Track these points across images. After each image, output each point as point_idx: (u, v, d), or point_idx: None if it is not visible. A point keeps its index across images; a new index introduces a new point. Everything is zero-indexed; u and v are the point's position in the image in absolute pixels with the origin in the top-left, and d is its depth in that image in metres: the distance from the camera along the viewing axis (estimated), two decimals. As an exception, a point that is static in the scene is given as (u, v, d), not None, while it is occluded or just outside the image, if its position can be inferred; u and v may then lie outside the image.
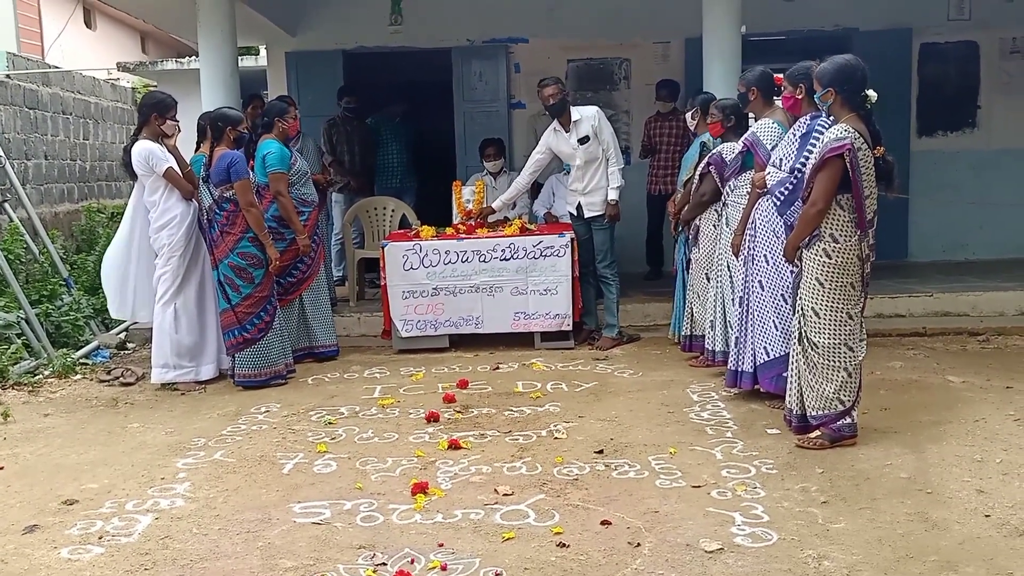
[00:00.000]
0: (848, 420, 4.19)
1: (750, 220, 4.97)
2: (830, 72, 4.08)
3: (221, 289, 5.62)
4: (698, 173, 5.77)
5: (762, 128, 4.97)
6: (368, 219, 7.87)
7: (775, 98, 5.00)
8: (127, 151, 5.70)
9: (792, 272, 4.55)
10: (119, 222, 9.47)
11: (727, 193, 5.34)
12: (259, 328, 5.66)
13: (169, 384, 5.69)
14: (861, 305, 4.19)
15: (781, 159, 4.68)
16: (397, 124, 9.03)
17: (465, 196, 7.17)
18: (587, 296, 6.60)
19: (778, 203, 4.66)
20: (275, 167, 6.03)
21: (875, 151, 4.04)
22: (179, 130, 5.78)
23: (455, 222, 7.05)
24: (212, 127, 5.67)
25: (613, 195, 6.39)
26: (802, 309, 4.19)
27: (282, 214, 6.07)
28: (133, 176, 5.70)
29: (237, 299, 5.62)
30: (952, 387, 5.15)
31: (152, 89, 5.95)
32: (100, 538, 3.47)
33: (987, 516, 3.40)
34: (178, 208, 5.64)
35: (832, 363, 4.14)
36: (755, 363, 4.88)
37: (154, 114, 5.63)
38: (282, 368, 5.76)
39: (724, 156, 5.52)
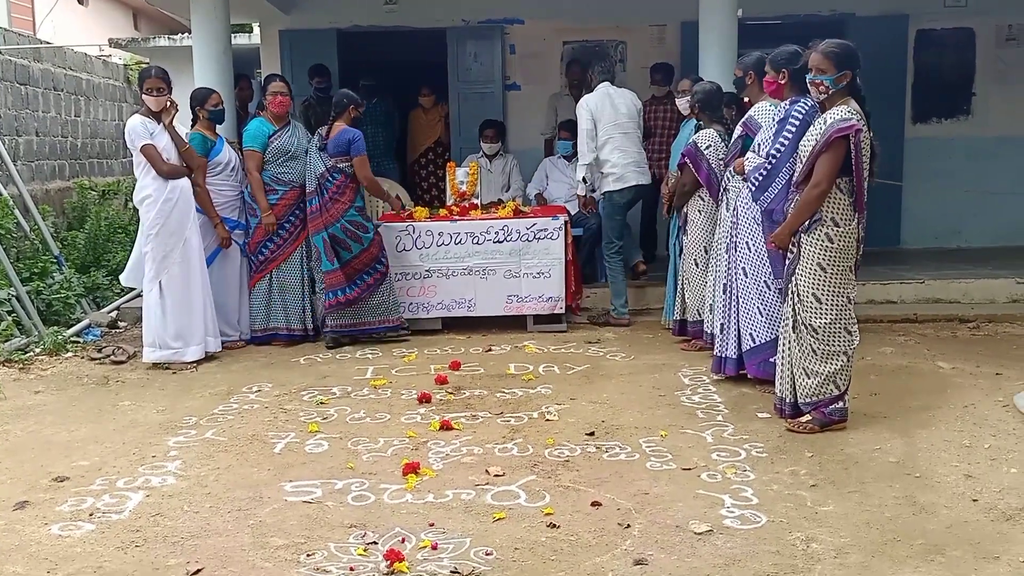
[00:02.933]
0: (840, 405, 4.20)
1: (731, 207, 4.97)
2: (844, 54, 3.99)
3: (325, 252, 5.99)
4: (677, 164, 5.79)
5: (759, 111, 4.96)
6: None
7: None
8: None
9: (774, 259, 4.56)
10: (110, 199, 9.51)
11: (727, 178, 5.30)
12: (362, 288, 6.05)
13: (160, 363, 5.68)
14: (856, 288, 4.20)
15: (759, 144, 4.67)
16: (373, 104, 8.96)
17: (459, 178, 7.14)
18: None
19: (752, 189, 4.64)
20: (246, 145, 6.16)
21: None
22: (177, 109, 5.77)
23: (448, 203, 7.04)
24: (337, 103, 6.12)
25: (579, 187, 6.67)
26: (798, 295, 4.17)
27: (250, 191, 6.17)
28: None
29: (348, 257, 6.02)
30: (942, 373, 5.18)
31: (147, 65, 6.06)
32: (91, 515, 3.47)
33: (975, 500, 3.43)
34: (152, 186, 5.64)
35: (832, 347, 4.14)
36: (740, 349, 4.90)
37: (140, 87, 5.74)
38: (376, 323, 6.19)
39: (699, 145, 5.53)
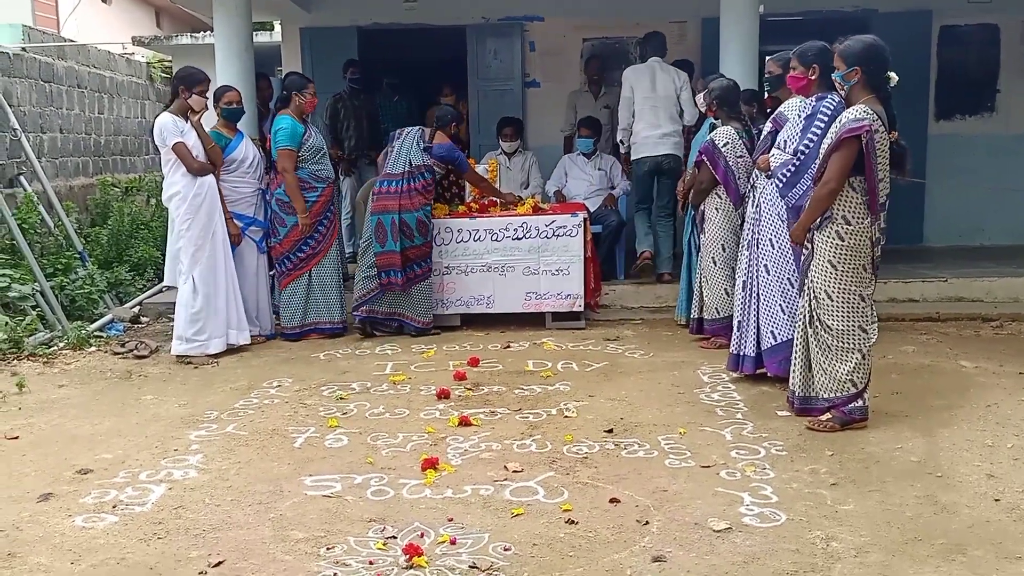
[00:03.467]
0: (860, 403, 4.18)
1: (754, 203, 4.94)
2: (857, 50, 4.00)
3: (391, 233, 6.22)
4: (695, 161, 5.76)
5: (790, 107, 4.90)
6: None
7: None
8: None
9: (798, 256, 4.53)
10: (133, 196, 9.60)
11: (755, 176, 5.25)
12: (408, 278, 6.26)
13: (183, 357, 5.74)
14: (872, 287, 4.17)
15: (786, 141, 4.64)
16: (396, 102, 8.99)
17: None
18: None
19: (780, 185, 4.62)
20: (284, 144, 6.11)
21: (889, 135, 4.01)
22: (207, 107, 5.86)
23: (468, 200, 7.05)
24: (441, 117, 6.54)
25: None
26: (813, 292, 4.17)
27: (286, 191, 6.13)
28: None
29: (408, 244, 6.26)
30: (964, 372, 5.14)
31: (187, 65, 6.12)
32: (114, 507, 3.51)
33: (997, 500, 3.40)
34: (181, 183, 5.71)
35: (846, 345, 4.13)
36: (759, 347, 4.88)
37: (181, 87, 5.76)
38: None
39: (716, 142, 5.49)
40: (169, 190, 5.77)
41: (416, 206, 6.27)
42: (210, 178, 5.82)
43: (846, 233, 4.04)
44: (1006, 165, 8.73)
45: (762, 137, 5.13)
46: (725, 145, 5.51)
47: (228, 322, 5.88)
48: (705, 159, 5.57)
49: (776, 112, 4.99)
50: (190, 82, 5.76)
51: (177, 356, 5.76)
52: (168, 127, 5.67)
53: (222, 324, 5.83)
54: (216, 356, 5.79)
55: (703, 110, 6.09)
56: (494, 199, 6.86)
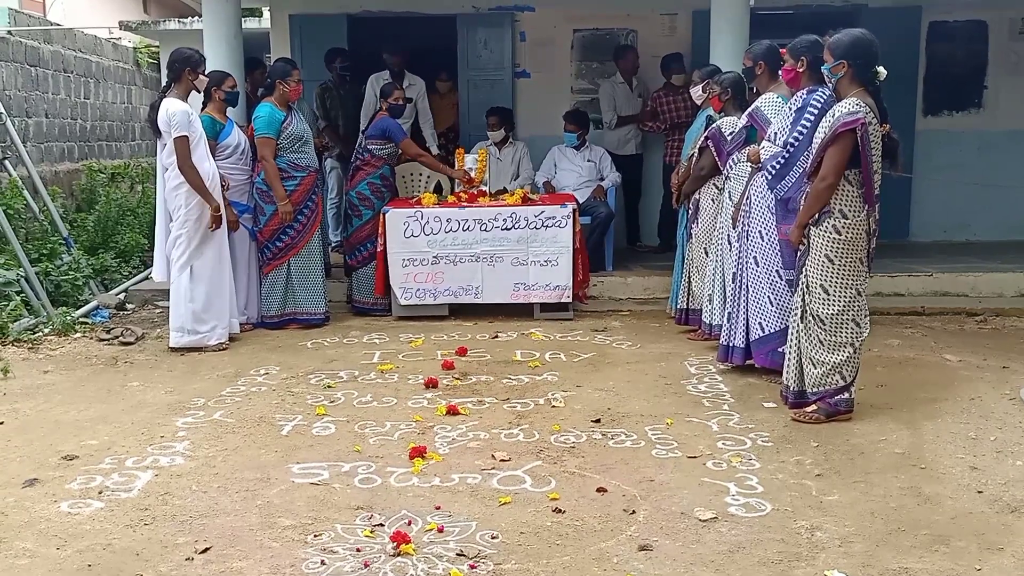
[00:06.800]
0: (846, 395, 4.21)
1: (745, 196, 4.97)
2: (845, 44, 4.03)
3: (346, 219, 6.81)
4: (697, 147, 5.76)
5: (766, 102, 4.94)
6: (403, 185, 7.70)
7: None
8: (154, 108, 5.65)
9: (784, 249, 4.55)
10: (118, 182, 9.53)
11: (729, 167, 5.31)
12: (361, 259, 6.62)
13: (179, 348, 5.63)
14: (867, 281, 4.19)
15: (776, 133, 4.65)
16: None
17: (468, 164, 7.13)
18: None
19: (769, 177, 4.64)
20: (262, 132, 6.06)
21: (881, 128, 4.03)
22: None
23: (457, 190, 7.03)
24: (381, 93, 6.87)
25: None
26: (808, 286, 4.18)
27: (266, 179, 6.09)
28: (158, 133, 5.61)
29: (359, 223, 6.62)
30: (949, 366, 5.17)
31: (181, 47, 5.88)
32: (100, 493, 3.50)
33: (980, 492, 3.43)
34: (200, 170, 5.58)
35: (838, 339, 4.14)
36: (748, 338, 4.90)
37: (187, 69, 5.61)
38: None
39: (723, 130, 5.50)
40: (179, 177, 5.55)
41: (357, 183, 6.66)
42: (214, 166, 5.72)
43: (843, 227, 4.05)
44: (993, 161, 8.77)
45: (736, 131, 5.18)
46: (731, 134, 5.50)
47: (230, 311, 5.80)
48: (711, 145, 5.54)
49: (752, 107, 5.03)
50: (194, 63, 5.63)
51: (180, 347, 5.62)
52: (180, 117, 5.45)
53: (225, 314, 5.75)
54: (214, 348, 5.68)
55: (699, 102, 6.08)
56: (483, 189, 6.86)
